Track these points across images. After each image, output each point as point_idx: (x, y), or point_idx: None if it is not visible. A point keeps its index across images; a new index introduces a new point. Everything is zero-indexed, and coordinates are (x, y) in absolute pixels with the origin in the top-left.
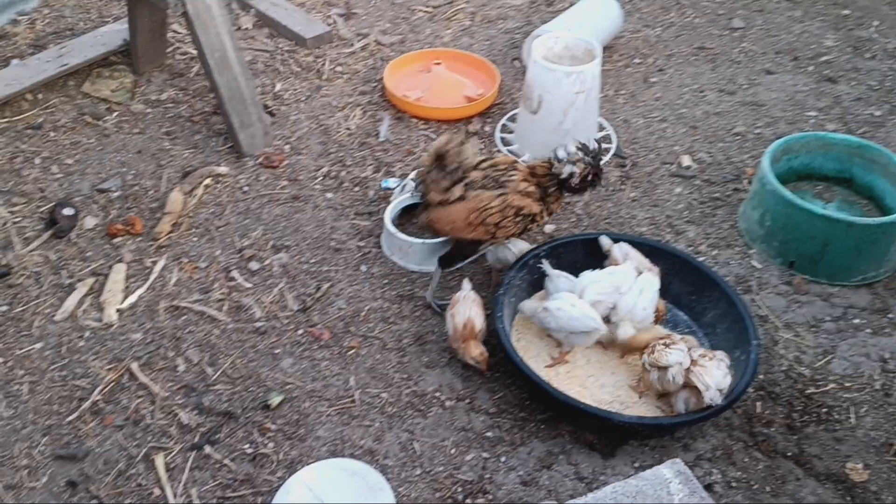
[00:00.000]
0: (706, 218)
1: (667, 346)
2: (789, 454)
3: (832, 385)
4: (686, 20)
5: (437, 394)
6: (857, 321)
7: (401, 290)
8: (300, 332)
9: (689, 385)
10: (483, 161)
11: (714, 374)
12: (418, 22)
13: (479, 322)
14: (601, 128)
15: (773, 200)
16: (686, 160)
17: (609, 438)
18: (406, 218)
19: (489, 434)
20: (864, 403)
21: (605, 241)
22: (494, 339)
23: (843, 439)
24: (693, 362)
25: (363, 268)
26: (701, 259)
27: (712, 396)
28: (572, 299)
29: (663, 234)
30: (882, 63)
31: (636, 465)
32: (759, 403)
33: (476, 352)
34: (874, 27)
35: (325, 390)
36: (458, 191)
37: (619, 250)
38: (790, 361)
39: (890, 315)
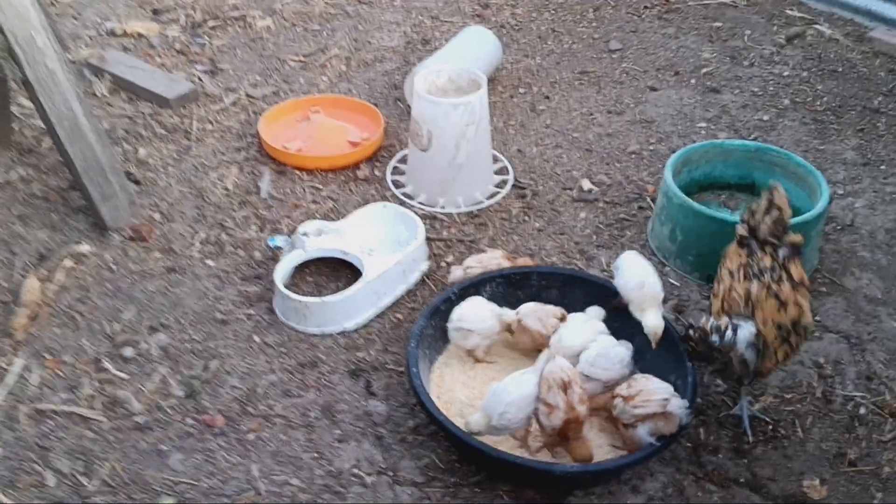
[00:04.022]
0: (615, 240)
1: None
2: (742, 480)
3: (772, 399)
4: (564, 47)
5: (356, 470)
6: None
7: (301, 357)
8: (189, 421)
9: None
10: None
11: (657, 385)
12: (290, 72)
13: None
14: (495, 159)
15: (682, 213)
16: (586, 184)
17: (552, 493)
18: (299, 276)
19: None
20: (808, 414)
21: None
22: (412, 397)
23: (794, 456)
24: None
25: (256, 338)
26: None
27: (678, 405)
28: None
29: (574, 261)
30: (761, 69)
31: None
32: (702, 430)
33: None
34: (747, 36)
35: (224, 486)
36: None
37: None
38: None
39: (816, 318)
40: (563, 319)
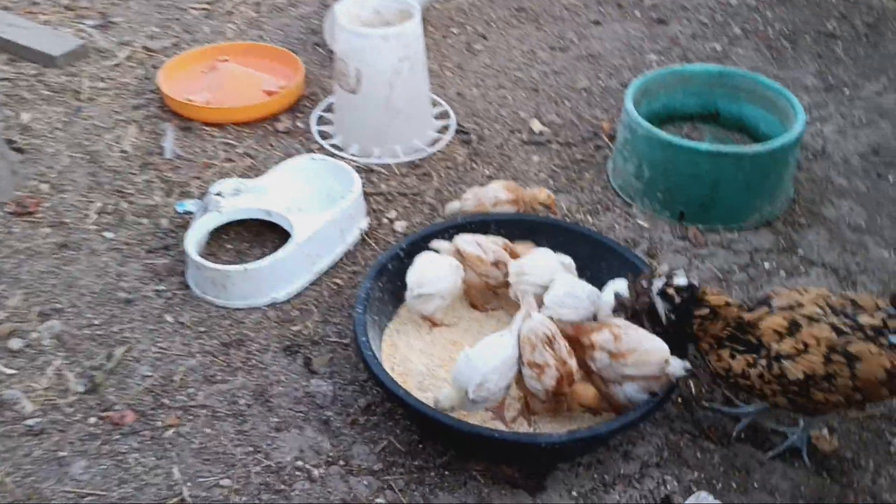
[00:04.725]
0: (574, 183)
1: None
2: (743, 436)
3: None
4: None
5: (300, 462)
6: (767, 265)
7: (224, 336)
8: (92, 420)
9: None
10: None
11: (653, 344)
12: (192, 21)
13: None
14: (434, 103)
15: (648, 146)
16: (536, 125)
17: (532, 468)
18: (217, 244)
19: (380, 501)
20: None
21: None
22: (362, 372)
23: None
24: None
25: (168, 318)
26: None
27: (680, 366)
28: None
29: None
30: None
31: (574, 493)
32: (692, 382)
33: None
34: None
35: (140, 494)
36: None
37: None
38: None
39: (799, 251)
40: (513, 256)
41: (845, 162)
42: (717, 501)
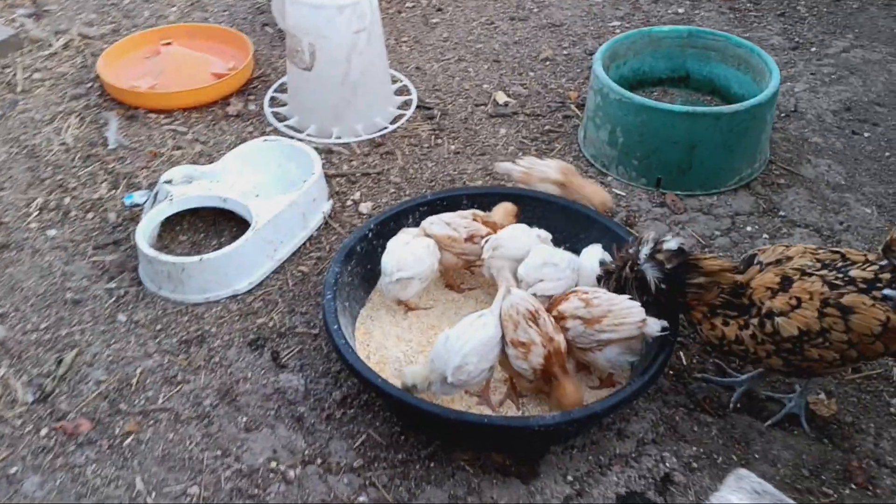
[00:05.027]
0: (545, 154)
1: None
2: (739, 406)
3: None
4: None
5: (273, 464)
6: (749, 228)
7: (183, 333)
8: (44, 432)
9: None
10: None
11: (627, 304)
12: (131, 6)
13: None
14: (393, 79)
15: (622, 110)
16: (501, 97)
17: (523, 454)
18: (170, 236)
19: (362, 500)
20: None
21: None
22: (335, 363)
23: None
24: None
25: (122, 317)
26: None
27: (657, 326)
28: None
29: (503, 182)
30: None
31: (569, 477)
32: (681, 353)
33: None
34: None
35: None
36: None
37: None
38: None
39: (781, 213)
40: (486, 225)
41: (819, 120)
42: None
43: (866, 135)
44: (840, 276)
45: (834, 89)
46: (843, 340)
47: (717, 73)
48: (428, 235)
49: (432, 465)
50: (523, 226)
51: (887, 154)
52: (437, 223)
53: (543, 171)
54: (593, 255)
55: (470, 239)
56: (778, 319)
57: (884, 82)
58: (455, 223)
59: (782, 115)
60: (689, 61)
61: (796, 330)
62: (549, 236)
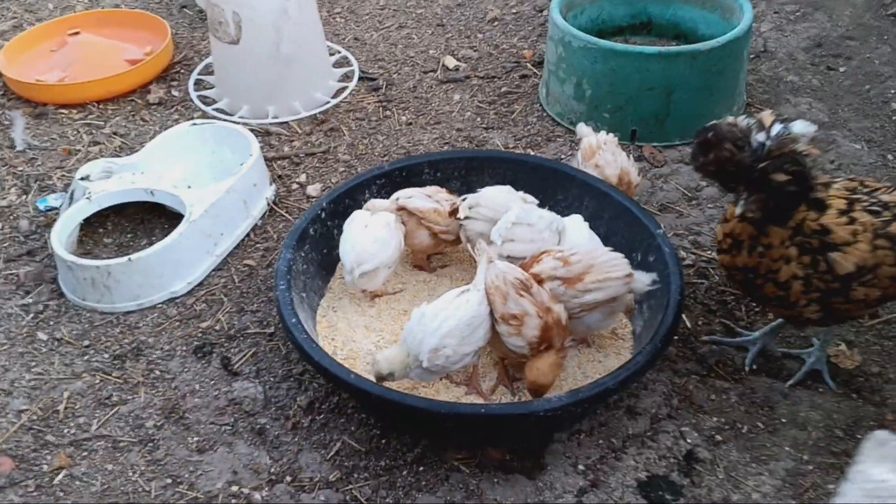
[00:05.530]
0: (505, 118)
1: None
2: (755, 367)
3: None
4: None
5: (234, 487)
6: None
7: (115, 346)
8: None
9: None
10: None
11: (609, 257)
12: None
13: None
14: (331, 51)
15: (589, 59)
16: (450, 61)
17: (525, 446)
18: (92, 238)
19: None
20: None
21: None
22: (296, 363)
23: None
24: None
25: (41, 335)
26: None
27: (646, 280)
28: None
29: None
30: None
31: (581, 466)
32: (685, 315)
33: None
34: None
35: None
36: None
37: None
38: (691, 250)
39: None
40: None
41: (791, 58)
42: None
43: (842, 70)
44: (874, 202)
45: (801, 27)
46: (890, 276)
47: (681, 15)
48: (404, 211)
49: (422, 469)
50: (507, 186)
51: (867, 87)
52: (418, 196)
53: (603, 166)
54: (577, 224)
55: (454, 213)
56: (833, 255)
57: (850, 15)
58: (436, 196)
59: (752, 56)
60: (650, 5)
61: (853, 266)
62: (536, 202)
